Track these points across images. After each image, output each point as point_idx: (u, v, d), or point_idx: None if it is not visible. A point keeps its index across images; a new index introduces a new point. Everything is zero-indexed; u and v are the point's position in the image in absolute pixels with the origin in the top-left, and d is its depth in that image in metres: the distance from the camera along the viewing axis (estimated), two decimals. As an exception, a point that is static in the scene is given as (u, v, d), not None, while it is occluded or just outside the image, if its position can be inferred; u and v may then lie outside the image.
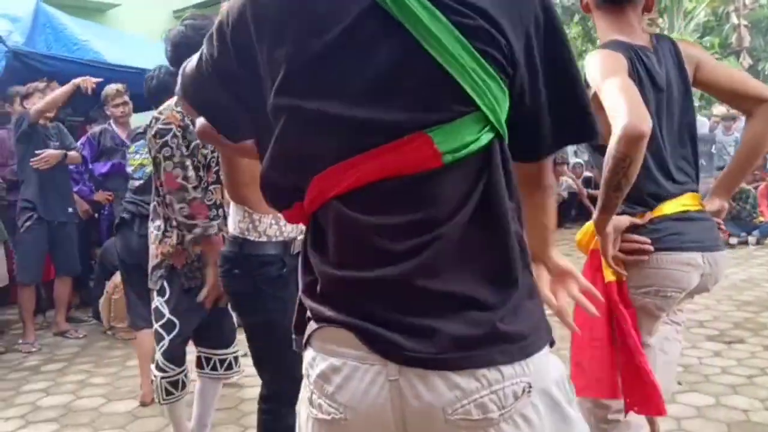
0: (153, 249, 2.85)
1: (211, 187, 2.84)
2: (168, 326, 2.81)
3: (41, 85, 5.16)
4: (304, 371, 1.18)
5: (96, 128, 5.79)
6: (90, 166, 5.69)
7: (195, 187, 2.71)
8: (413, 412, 1.06)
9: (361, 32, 1.05)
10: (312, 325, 1.16)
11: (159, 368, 2.84)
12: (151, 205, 2.91)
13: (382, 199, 1.08)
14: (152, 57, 7.10)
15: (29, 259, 5.11)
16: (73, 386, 4.25)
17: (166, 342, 2.81)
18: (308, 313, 1.17)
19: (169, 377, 2.84)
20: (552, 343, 1.13)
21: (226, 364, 3.04)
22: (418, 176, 1.05)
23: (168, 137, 2.68)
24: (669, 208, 2.10)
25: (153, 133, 2.72)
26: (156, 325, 2.83)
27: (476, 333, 1.04)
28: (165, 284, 2.81)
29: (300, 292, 1.20)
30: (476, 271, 1.07)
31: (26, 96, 5.15)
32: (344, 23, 1.05)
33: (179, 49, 2.72)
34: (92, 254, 5.90)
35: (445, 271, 1.06)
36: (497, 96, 1.07)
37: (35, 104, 5.05)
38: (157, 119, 2.74)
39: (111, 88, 5.61)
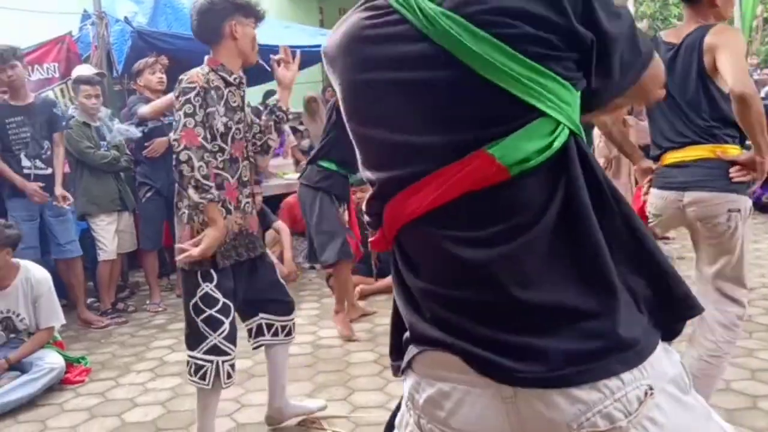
0: (185, 229, 2.81)
1: (243, 163, 2.90)
2: (225, 310, 2.81)
3: (150, 60, 5.41)
4: (406, 396, 1.19)
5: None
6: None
7: (212, 153, 2.73)
8: (535, 430, 1.05)
9: (409, 61, 1.07)
10: (412, 350, 1.15)
11: (221, 352, 2.80)
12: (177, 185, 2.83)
13: (461, 216, 1.08)
14: (263, 33, 7.38)
15: (150, 228, 5.47)
16: (194, 344, 4.59)
17: (226, 325, 2.80)
18: (406, 336, 1.18)
19: (231, 360, 2.84)
20: (666, 337, 1.10)
21: (286, 330, 3.15)
22: (491, 190, 1.05)
23: (191, 95, 2.69)
24: (667, 159, 2.91)
25: (177, 93, 2.73)
26: (210, 311, 2.78)
27: (589, 346, 1.02)
28: (210, 270, 2.78)
29: (395, 316, 1.22)
30: (572, 278, 1.04)
31: (138, 73, 5.44)
32: (390, 54, 1.08)
33: (206, 15, 2.81)
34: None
35: (540, 281, 1.04)
36: (561, 94, 1.04)
37: (147, 79, 5.32)
38: (181, 80, 2.75)
39: None
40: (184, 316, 2.88)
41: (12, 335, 3.93)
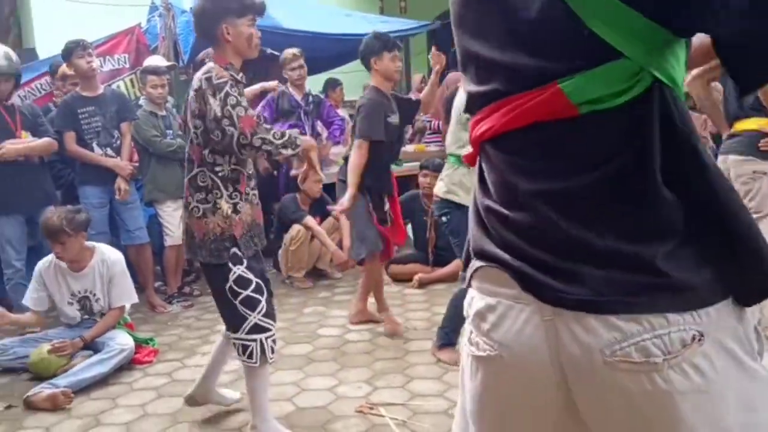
0: (201, 224, 2.88)
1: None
2: (259, 290, 2.92)
3: (211, 50, 5.56)
4: (464, 310, 1.25)
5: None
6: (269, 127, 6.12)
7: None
8: (570, 352, 1.06)
9: None
10: (473, 264, 1.21)
11: (262, 329, 2.92)
12: (187, 180, 2.93)
13: (525, 145, 1.09)
14: (325, 22, 7.47)
15: None
16: (256, 329, 4.71)
17: (263, 303, 2.92)
18: (471, 250, 1.23)
19: (272, 336, 2.97)
20: (742, 300, 1.06)
21: None
22: (558, 124, 1.04)
23: (227, 88, 2.75)
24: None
25: (212, 91, 2.76)
26: (246, 292, 2.89)
27: (637, 280, 1.01)
28: (238, 253, 2.88)
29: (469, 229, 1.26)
30: (628, 225, 1.03)
31: (204, 63, 5.56)
32: None
33: (201, 19, 2.93)
34: (271, 209, 6.34)
35: (593, 222, 1.04)
36: (652, 39, 0.99)
37: None
38: (208, 79, 2.78)
39: (288, 52, 6.01)
40: (221, 306, 3.01)
41: (86, 316, 4.11)
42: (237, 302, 2.90)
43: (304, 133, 5.62)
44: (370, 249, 4.49)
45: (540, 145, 1.08)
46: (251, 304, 2.91)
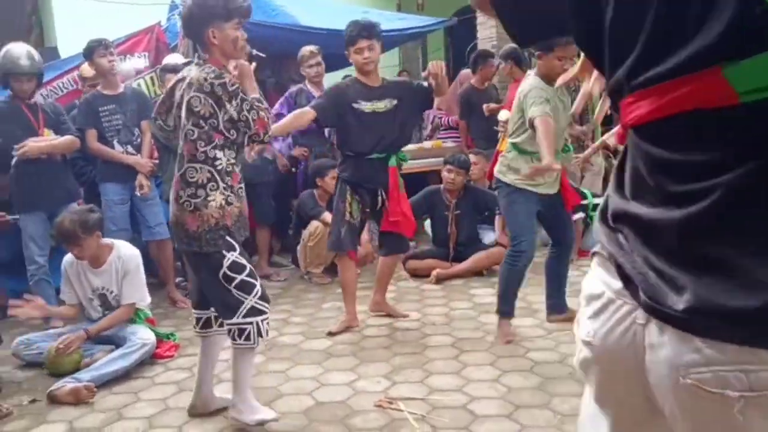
0: (194, 216, 2.97)
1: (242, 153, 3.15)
2: (253, 274, 3.06)
3: None
4: (583, 288, 1.25)
5: (293, 88, 6.23)
6: (287, 124, 6.15)
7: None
8: (651, 361, 1.05)
9: None
10: (594, 246, 1.22)
11: (258, 312, 3.03)
12: (180, 175, 3.03)
13: (674, 135, 1.00)
14: (342, 19, 7.47)
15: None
16: (276, 324, 4.71)
17: (258, 286, 3.05)
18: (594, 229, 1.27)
19: (267, 318, 3.08)
20: None
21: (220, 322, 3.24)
22: (713, 113, 0.94)
23: (242, 94, 2.98)
24: None
25: (227, 97, 2.93)
26: (241, 276, 3.01)
27: (740, 307, 0.92)
28: (231, 241, 3.02)
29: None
30: (755, 239, 0.93)
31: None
32: None
33: (189, 23, 3.06)
34: (290, 205, 6.37)
35: (720, 229, 0.95)
36: None
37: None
38: (222, 85, 2.92)
39: (305, 49, 6.03)
40: (214, 294, 3.08)
41: (107, 311, 4.17)
42: (232, 287, 3.00)
43: (322, 131, 5.64)
44: (332, 247, 4.57)
45: (682, 136, 0.99)
46: (247, 288, 3.02)
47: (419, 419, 3.19)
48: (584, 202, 5.71)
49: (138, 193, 5.10)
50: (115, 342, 4.04)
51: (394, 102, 4.30)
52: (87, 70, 5.50)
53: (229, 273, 3.00)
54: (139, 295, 4.20)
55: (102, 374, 3.76)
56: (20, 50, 4.73)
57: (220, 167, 2.98)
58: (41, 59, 4.96)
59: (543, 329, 4.30)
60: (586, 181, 6.50)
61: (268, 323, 3.10)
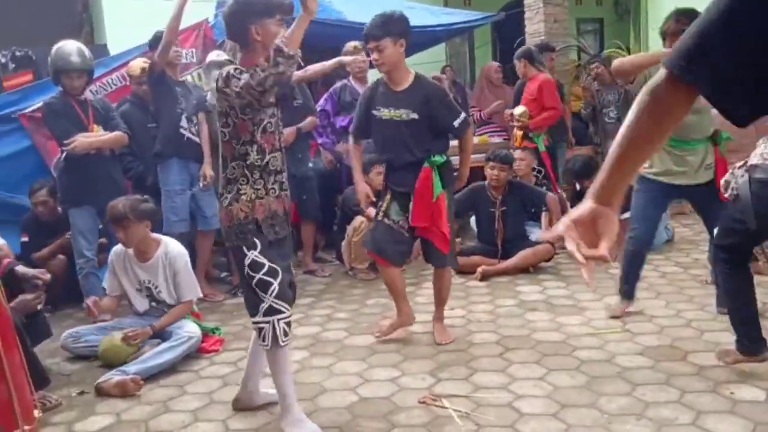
0: (227, 211, 3.01)
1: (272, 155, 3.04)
2: (272, 273, 3.00)
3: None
4: None
5: (337, 84, 6.22)
6: (332, 120, 6.15)
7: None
8: None
9: None
10: None
11: (274, 311, 3.00)
12: (222, 176, 3.07)
13: None
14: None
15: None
16: (320, 319, 4.73)
17: (275, 285, 3.00)
18: None
19: (285, 318, 3.03)
20: None
21: None
22: None
23: (233, 72, 2.93)
24: None
25: (224, 83, 2.91)
26: (259, 275, 2.99)
27: None
28: (254, 239, 2.99)
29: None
30: None
31: None
32: None
33: (231, 21, 3.01)
34: (335, 201, 6.37)
35: None
36: None
37: None
38: (224, 77, 2.91)
39: (349, 45, 6.02)
40: (245, 291, 3.10)
41: (154, 304, 4.21)
42: (252, 285, 3.01)
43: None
44: (365, 246, 4.51)
45: None
46: (264, 286, 3.00)
47: (463, 416, 3.15)
48: None
49: (201, 184, 5.19)
50: (161, 335, 4.08)
51: (413, 116, 3.92)
52: (134, 68, 5.57)
53: (250, 272, 3.01)
54: (194, 292, 4.25)
55: (149, 367, 3.80)
56: (71, 48, 4.82)
57: (249, 162, 2.99)
58: (91, 56, 5.04)
59: (590, 327, 4.21)
60: None
61: (288, 324, 3.05)
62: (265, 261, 3.01)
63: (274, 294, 3.01)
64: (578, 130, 8.10)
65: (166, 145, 5.16)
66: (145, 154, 5.42)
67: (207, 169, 5.17)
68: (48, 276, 3.76)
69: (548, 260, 5.62)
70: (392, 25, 3.86)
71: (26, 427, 2.62)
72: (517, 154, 6.06)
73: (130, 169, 5.48)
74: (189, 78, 6.15)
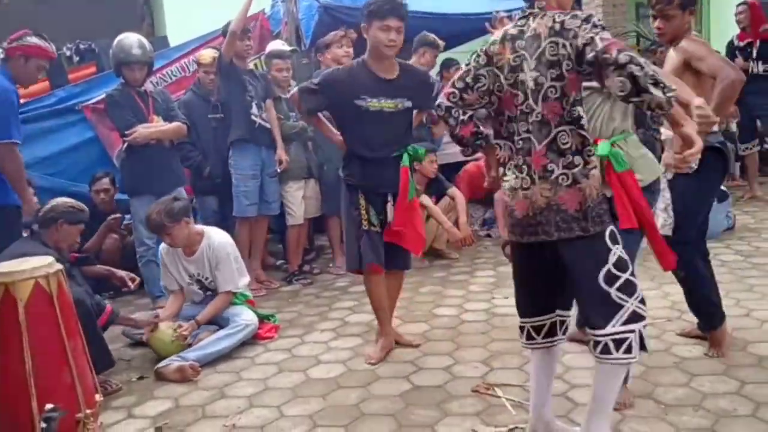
0: (573, 192, 2.41)
1: None
2: (633, 271, 2.50)
3: (339, 34, 5.58)
4: None
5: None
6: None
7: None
8: None
9: None
10: None
11: (639, 317, 2.44)
12: (545, 146, 2.43)
13: None
14: (443, 2, 7.38)
15: (331, 193, 5.70)
16: (374, 307, 4.76)
17: (638, 285, 2.49)
18: None
19: (646, 324, 2.50)
20: None
21: (564, 326, 2.77)
22: None
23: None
24: None
25: (571, 25, 2.34)
26: (626, 276, 2.43)
27: None
28: (612, 228, 2.45)
29: None
30: None
31: (326, 46, 5.58)
32: None
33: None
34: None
35: None
36: None
37: (334, 53, 5.47)
38: (563, 20, 2.37)
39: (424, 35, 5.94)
40: (585, 293, 2.50)
41: (207, 293, 4.29)
42: (613, 289, 2.42)
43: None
44: (349, 267, 4.00)
45: None
46: (629, 289, 2.44)
47: (517, 406, 3.13)
48: None
49: (278, 168, 5.35)
50: (218, 323, 4.16)
51: (407, 104, 3.71)
52: (205, 56, 5.67)
53: (614, 271, 2.41)
54: (234, 283, 4.21)
55: (206, 354, 3.88)
56: (132, 40, 4.92)
57: (586, 126, 2.44)
58: (152, 48, 5.13)
59: (647, 317, 4.11)
60: None
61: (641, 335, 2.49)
62: (626, 256, 2.47)
63: (639, 297, 2.45)
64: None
65: (242, 132, 5.28)
66: (204, 144, 5.53)
67: (282, 154, 5.32)
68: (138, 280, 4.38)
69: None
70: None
71: (88, 411, 2.71)
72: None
73: (188, 158, 5.58)
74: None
